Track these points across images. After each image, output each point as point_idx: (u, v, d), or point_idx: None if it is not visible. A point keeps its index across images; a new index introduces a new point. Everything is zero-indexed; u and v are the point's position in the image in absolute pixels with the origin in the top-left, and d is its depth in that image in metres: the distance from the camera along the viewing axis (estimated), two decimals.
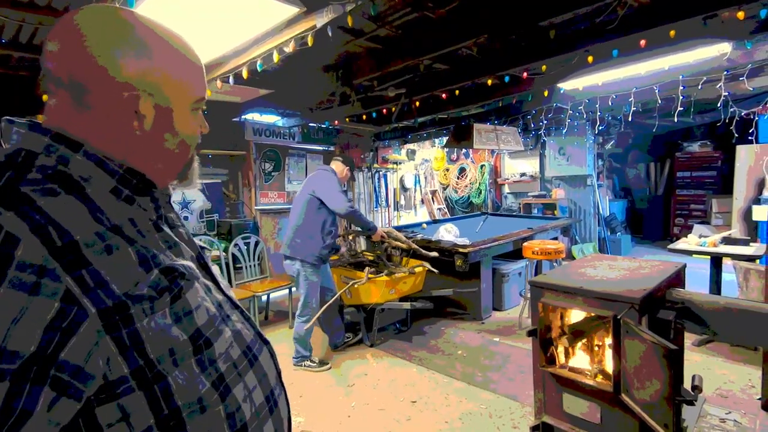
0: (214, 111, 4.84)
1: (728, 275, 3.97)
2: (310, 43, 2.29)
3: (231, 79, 2.95)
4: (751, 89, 4.15)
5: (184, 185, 0.75)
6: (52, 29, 0.59)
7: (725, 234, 3.88)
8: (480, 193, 8.39)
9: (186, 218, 5.15)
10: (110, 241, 0.54)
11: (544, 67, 3.42)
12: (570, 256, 6.53)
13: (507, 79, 3.93)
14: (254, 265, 4.63)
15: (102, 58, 0.58)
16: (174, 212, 0.74)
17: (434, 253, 3.90)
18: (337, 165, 3.56)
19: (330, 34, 2.31)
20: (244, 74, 2.78)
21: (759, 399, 2.60)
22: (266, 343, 0.76)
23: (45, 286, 0.46)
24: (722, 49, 3.06)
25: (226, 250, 4.43)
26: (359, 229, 3.75)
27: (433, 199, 8.66)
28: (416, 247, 3.79)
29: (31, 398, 0.44)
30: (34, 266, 0.46)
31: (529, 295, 2.94)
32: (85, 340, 0.48)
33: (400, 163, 8.18)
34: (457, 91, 4.44)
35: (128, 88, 0.59)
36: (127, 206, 0.60)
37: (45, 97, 0.62)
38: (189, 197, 5.19)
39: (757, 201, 5.45)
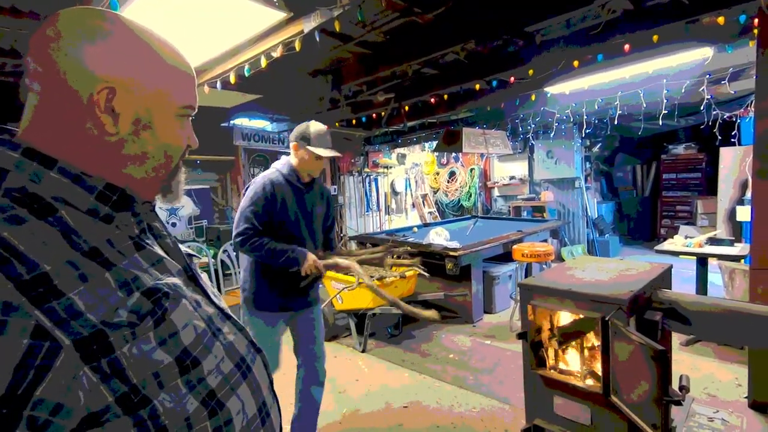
0: (202, 116, 4.77)
1: (714, 275, 4.03)
2: (297, 48, 2.29)
3: (218, 84, 2.93)
4: (733, 92, 4.24)
5: (169, 200, 0.71)
6: (36, 30, 0.57)
7: (711, 234, 3.94)
8: (470, 196, 8.43)
9: (174, 225, 5.09)
10: (85, 267, 0.52)
11: (531, 72, 3.46)
12: (559, 258, 6.58)
13: (495, 83, 3.96)
14: None
15: (74, 57, 0.56)
16: (159, 221, 0.71)
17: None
18: (294, 152, 2.07)
19: (318, 39, 2.31)
20: (232, 79, 2.77)
21: (746, 398, 2.64)
22: (259, 351, 0.75)
23: (11, 324, 0.44)
24: (704, 53, 3.12)
25: (215, 256, 4.39)
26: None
27: (423, 202, 8.68)
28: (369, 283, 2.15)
29: None
30: None
31: (518, 298, 2.96)
32: (62, 374, 0.46)
33: (390, 167, 8.19)
34: (445, 96, 4.47)
35: (101, 84, 0.57)
36: (105, 226, 0.58)
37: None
38: (177, 203, 5.14)
39: (741, 202, 5.56)
